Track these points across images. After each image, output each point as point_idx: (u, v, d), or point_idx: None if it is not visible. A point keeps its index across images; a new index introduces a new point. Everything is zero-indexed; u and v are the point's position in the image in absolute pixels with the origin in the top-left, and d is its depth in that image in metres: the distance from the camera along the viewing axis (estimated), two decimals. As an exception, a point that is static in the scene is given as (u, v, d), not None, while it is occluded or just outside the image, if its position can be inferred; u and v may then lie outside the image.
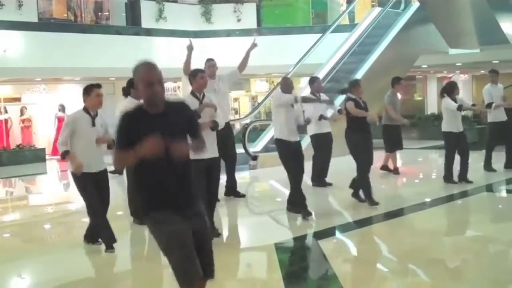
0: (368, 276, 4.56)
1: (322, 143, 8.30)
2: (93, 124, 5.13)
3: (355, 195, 7.03)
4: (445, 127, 8.07)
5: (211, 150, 5.40)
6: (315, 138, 8.36)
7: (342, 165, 8.33)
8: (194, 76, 5.61)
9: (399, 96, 9.43)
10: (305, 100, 6.81)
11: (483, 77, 26.38)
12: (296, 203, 6.40)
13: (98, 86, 5.26)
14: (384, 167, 9.45)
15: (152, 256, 5.06)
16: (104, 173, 5.24)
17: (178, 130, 3.01)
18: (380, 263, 4.95)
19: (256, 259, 5.27)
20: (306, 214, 6.28)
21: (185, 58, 7.26)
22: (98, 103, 5.18)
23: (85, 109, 5.18)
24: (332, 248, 5.42)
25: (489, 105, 9.18)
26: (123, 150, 2.93)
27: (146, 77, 2.92)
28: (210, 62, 7.50)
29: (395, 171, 9.40)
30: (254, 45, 8.00)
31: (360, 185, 6.91)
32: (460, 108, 7.82)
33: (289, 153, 6.35)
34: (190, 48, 7.21)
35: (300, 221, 6.32)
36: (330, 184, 8.35)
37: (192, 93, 5.59)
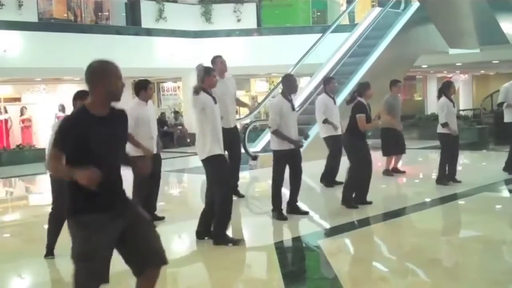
0: (368, 276, 4.56)
1: (337, 145, 8.19)
2: None
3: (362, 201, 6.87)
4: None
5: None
6: (332, 140, 8.21)
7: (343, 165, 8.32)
8: (208, 73, 5.34)
9: (400, 97, 9.34)
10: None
11: (483, 77, 26.43)
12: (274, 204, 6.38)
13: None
14: (395, 170, 9.30)
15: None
16: None
17: (122, 136, 3.11)
18: (380, 263, 4.95)
19: (256, 259, 5.27)
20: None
21: None
22: None
23: None
24: (332, 248, 5.42)
25: (500, 104, 9.04)
26: (60, 152, 2.92)
27: (119, 72, 3.02)
28: (221, 58, 7.16)
29: (391, 171, 9.23)
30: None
31: (350, 186, 6.75)
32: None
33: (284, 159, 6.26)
34: None
35: (300, 221, 6.33)
36: (341, 183, 8.22)
37: (205, 90, 5.27)
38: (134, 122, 5.71)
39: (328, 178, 8.33)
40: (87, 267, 2.92)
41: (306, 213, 6.59)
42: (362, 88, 6.72)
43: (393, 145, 9.08)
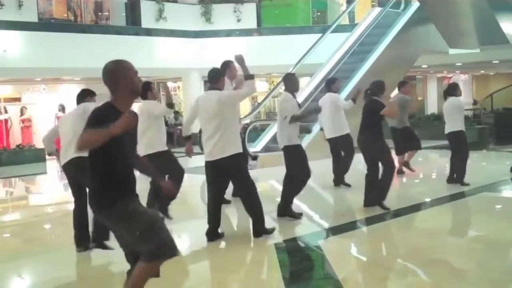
0: (369, 276, 4.56)
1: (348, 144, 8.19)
2: None
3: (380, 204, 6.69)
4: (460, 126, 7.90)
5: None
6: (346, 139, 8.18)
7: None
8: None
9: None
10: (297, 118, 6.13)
11: (483, 77, 26.43)
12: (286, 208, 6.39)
13: None
14: (406, 165, 9.42)
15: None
16: None
17: (134, 134, 3.31)
18: (381, 263, 4.95)
19: (256, 259, 5.27)
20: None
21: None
22: None
23: None
24: (333, 248, 5.42)
25: None
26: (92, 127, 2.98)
27: (134, 67, 3.22)
28: (234, 64, 6.49)
29: (401, 166, 9.36)
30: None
31: (385, 187, 6.59)
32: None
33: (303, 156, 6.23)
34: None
35: (300, 221, 6.33)
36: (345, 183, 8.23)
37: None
38: (147, 116, 5.91)
39: (340, 180, 8.29)
40: (165, 233, 3.15)
41: (299, 215, 6.45)
42: (376, 87, 6.46)
43: (406, 142, 9.23)
